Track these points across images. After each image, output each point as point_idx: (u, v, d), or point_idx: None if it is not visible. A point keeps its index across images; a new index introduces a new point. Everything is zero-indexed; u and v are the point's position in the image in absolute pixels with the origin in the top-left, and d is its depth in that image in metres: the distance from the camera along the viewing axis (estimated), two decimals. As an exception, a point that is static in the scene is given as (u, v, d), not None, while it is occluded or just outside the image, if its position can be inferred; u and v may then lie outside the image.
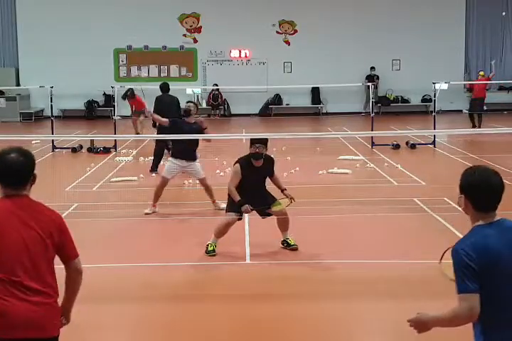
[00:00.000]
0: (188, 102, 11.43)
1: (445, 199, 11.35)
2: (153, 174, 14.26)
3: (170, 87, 15.49)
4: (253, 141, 8.65)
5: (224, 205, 9.16)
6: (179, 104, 14.87)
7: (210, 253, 8.53)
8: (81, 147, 17.81)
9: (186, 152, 10.71)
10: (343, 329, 6.58)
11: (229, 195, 8.63)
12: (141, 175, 13.97)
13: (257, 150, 8.54)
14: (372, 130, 17.54)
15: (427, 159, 16.67)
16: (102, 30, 26.56)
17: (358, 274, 7.92)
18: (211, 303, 6.99)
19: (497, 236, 3.69)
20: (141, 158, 16.30)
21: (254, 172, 8.60)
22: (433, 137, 17.96)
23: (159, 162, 14.58)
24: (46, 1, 26.97)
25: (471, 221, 3.92)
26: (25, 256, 3.84)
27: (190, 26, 27.70)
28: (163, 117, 14.78)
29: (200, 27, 27.63)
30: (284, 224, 8.78)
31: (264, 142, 8.67)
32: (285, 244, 8.80)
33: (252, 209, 8.51)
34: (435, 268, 8.08)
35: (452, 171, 15.33)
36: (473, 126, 21.18)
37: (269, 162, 8.87)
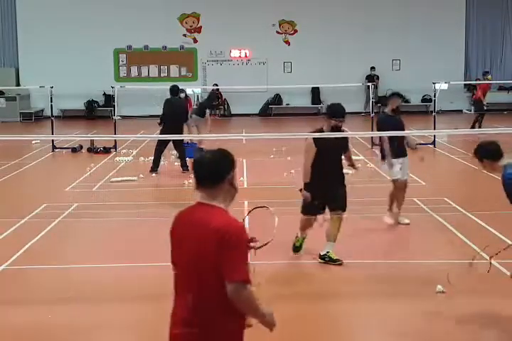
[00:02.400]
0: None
1: (445, 199, 11.35)
2: (154, 174, 14.26)
3: (169, 86, 15.45)
4: (333, 114, 8.07)
5: None
6: (186, 108, 14.97)
7: (296, 250, 8.38)
8: (81, 147, 17.80)
9: None
10: (344, 329, 6.58)
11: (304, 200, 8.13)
12: (141, 175, 13.96)
13: (340, 124, 8.08)
14: (372, 130, 17.52)
15: (427, 159, 16.63)
16: (102, 30, 26.54)
17: (358, 274, 7.92)
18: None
19: None
20: (141, 158, 16.30)
21: (329, 147, 7.99)
22: (433, 137, 17.95)
23: (159, 162, 14.59)
24: (46, 1, 26.96)
25: (497, 170, 6.38)
26: None
27: (190, 26, 27.69)
28: (166, 119, 14.87)
29: (200, 27, 27.63)
30: (334, 232, 8.12)
31: (345, 114, 8.16)
32: (327, 259, 8.09)
33: (312, 201, 7.91)
34: (435, 269, 8.10)
35: (452, 171, 15.37)
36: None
37: (345, 138, 8.49)
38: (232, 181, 3.71)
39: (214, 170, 3.66)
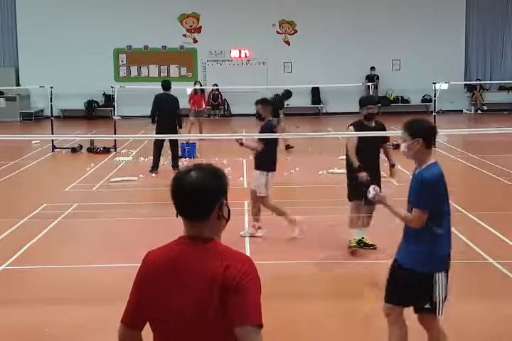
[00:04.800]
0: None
1: (445, 199, 11.34)
2: (153, 174, 14.27)
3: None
4: (364, 103, 8.44)
5: None
6: (178, 103, 14.81)
7: (353, 247, 8.41)
8: (81, 147, 17.80)
9: None
10: (345, 329, 6.58)
11: (348, 185, 8.39)
12: (141, 175, 13.96)
13: (370, 111, 8.39)
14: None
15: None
16: (102, 30, 26.54)
17: (358, 274, 7.92)
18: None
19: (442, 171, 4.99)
20: (141, 158, 16.30)
21: (368, 137, 8.31)
22: (433, 137, 17.93)
23: (159, 161, 14.59)
24: (46, 1, 26.96)
25: (420, 160, 5.00)
26: None
27: (190, 26, 27.70)
28: (159, 116, 14.81)
29: (200, 27, 27.63)
30: (368, 219, 8.54)
31: (375, 102, 8.58)
32: (361, 244, 8.47)
33: (368, 180, 7.76)
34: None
35: (452, 171, 15.35)
36: None
37: (382, 127, 8.73)
38: (223, 210, 2.88)
39: (199, 202, 2.84)
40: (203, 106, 20.25)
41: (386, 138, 8.93)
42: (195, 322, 2.80)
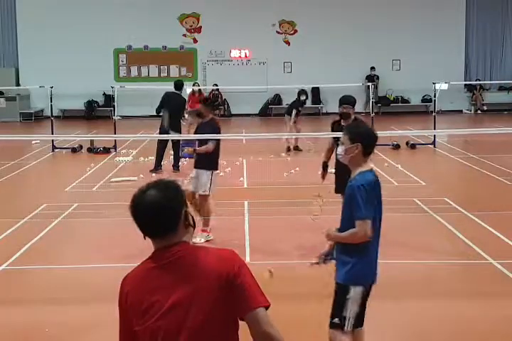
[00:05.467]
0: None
1: (445, 199, 11.35)
2: (154, 174, 14.26)
3: (169, 86, 15.43)
4: (340, 102, 8.67)
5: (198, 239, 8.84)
6: (185, 104, 14.93)
7: None
8: (81, 147, 17.80)
9: None
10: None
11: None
12: (141, 175, 13.96)
13: (344, 110, 8.58)
14: (372, 130, 17.54)
15: (427, 159, 16.67)
16: (102, 30, 26.55)
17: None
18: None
19: (375, 178, 4.77)
20: (141, 158, 16.30)
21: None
22: (433, 137, 17.96)
23: (161, 161, 14.61)
24: (46, 1, 26.96)
25: (355, 166, 4.75)
26: None
27: (190, 26, 27.69)
28: (164, 114, 14.82)
29: (200, 27, 27.62)
30: None
31: (351, 102, 8.68)
32: None
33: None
34: (435, 268, 8.11)
35: (452, 171, 15.37)
36: None
37: None
38: (188, 219, 2.91)
39: (163, 220, 2.84)
40: None
41: None
42: (201, 322, 2.80)
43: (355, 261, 4.55)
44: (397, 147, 17.54)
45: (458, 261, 8.31)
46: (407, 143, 17.80)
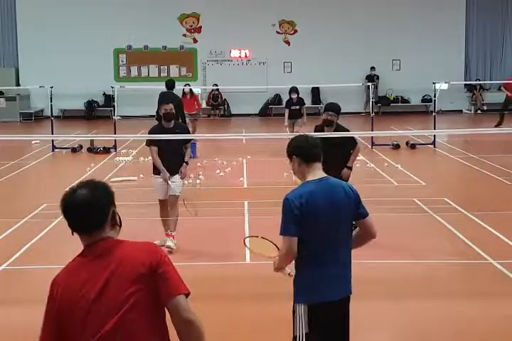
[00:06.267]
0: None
1: (445, 199, 11.36)
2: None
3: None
4: (326, 108, 8.71)
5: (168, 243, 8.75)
6: (179, 102, 14.81)
7: None
8: (81, 147, 17.80)
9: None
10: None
11: None
12: (141, 175, 13.96)
13: (328, 117, 8.55)
14: (372, 130, 17.54)
15: (427, 159, 16.67)
16: (102, 30, 26.55)
17: (357, 274, 7.91)
18: (211, 303, 6.97)
19: (320, 191, 4.28)
20: (141, 158, 16.30)
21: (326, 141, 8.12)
22: (433, 137, 17.96)
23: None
24: (46, 1, 26.96)
25: (303, 179, 4.40)
26: None
27: (190, 26, 27.69)
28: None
29: (200, 27, 27.62)
30: None
31: (335, 110, 8.62)
32: None
33: None
34: (435, 268, 8.11)
35: (452, 171, 15.37)
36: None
37: (346, 139, 8.73)
38: (115, 219, 3.11)
39: (92, 217, 3.03)
40: (195, 109, 19.19)
41: (352, 146, 8.78)
42: (125, 309, 2.92)
43: (296, 279, 4.38)
44: (397, 147, 17.54)
45: (458, 261, 8.31)
46: (407, 143, 17.81)
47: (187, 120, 19.20)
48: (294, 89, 17.12)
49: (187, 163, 9.09)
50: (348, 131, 8.93)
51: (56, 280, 3.12)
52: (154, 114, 15.29)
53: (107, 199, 3.08)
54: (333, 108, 8.64)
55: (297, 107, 16.76)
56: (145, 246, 3.07)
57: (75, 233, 3.10)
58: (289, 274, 4.41)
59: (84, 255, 3.09)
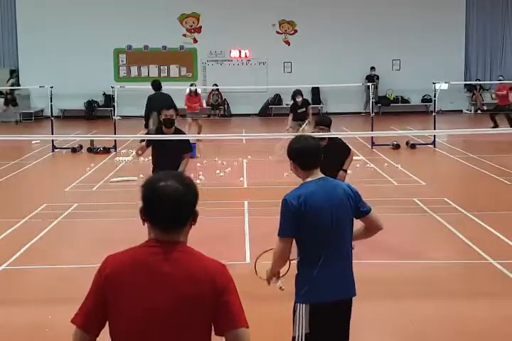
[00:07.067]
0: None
1: (445, 199, 11.35)
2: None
3: (169, 86, 15.42)
4: (316, 123, 8.75)
5: None
6: (172, 100, 14.79)
7: None
8: (81, 147, 17.80)
9: None
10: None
11: None
12: (141, 175, 13.95)
13: (321, 131, 8.58)
14: (372, 130, 17.53)
15: (427, 159, 16.67)
16: (102, 30, 26.54)
17: (358, 274, 7.91)
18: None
19: (320, 191, 4.27)
20: (141, 158, 16.28)
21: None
22: (433, 137, 17.96)
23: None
24: (46, 1, 26.96)
25: (301, 179, 4.40)
26: None
27: (190, 26, 27.70)
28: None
29: (200, 27, 27.63)
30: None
31: (326, 124, 8.65)
32: None
33: None
34: (435, 268, 8.11)
35: (452, 171, 15.37)
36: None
37: (340, 148, 8.70)
38: (195, 218, 2.95)
39: (181, 213, 2.88)
40: (198, 108, 19.64)
41: (347, 153, 8.80)
42: (178, 322, 2.81)
43: (297, 279, 4.40)
44: (397, 147, 17.54)
45: (458, 261, 8.31)
46: (407, 143, 17.81)
47: (190, 119, 19.32)
48: (298, 92, 16.87)
49: None
50: (341, 143, 8.91)
51: (109, 259, 2.97)
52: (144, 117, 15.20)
53: (196, 198, 2.91)
54: (325, 121, 8.68)
55: (303, 109, 16.63)
56: (216, 266, 2.92)
57: (146, 223, 2.91)
58: (280, 288, 4.41)
59: (151, 251, 2.87)
